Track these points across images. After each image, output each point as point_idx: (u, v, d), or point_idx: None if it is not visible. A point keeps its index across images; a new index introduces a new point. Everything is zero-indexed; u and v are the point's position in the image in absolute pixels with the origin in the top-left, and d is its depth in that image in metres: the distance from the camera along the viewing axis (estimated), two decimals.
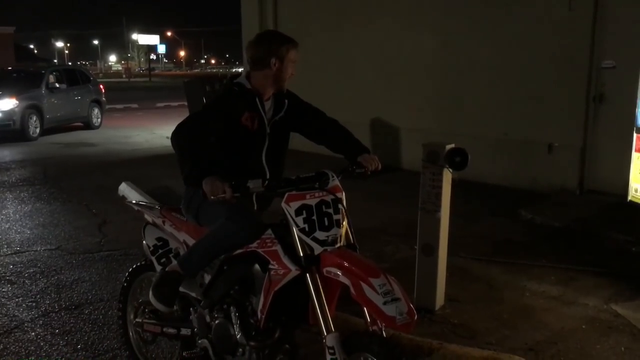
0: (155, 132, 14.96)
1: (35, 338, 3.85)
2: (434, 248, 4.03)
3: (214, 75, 44.38)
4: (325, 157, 3.33)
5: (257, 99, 2.87)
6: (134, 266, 3.44)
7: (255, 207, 2.90)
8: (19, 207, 7.32)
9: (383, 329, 2.42)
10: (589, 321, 3.98)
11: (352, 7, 10.30)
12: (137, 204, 3.49)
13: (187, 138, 2.72)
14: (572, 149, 7.53)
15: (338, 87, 10.41)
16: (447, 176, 3.95)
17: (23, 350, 3.69)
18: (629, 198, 5.45)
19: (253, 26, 11.83)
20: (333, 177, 2.63)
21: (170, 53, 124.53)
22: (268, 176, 2.86)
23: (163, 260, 3.10)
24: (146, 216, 3.35)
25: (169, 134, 2.87)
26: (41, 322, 4.10)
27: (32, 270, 5.08)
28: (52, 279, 4.89)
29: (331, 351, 2.33)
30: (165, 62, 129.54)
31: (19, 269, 5.11)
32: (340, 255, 2.41)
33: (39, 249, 5.69)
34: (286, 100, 2.99)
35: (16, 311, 4.26)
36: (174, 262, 2.96)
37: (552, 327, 3.89)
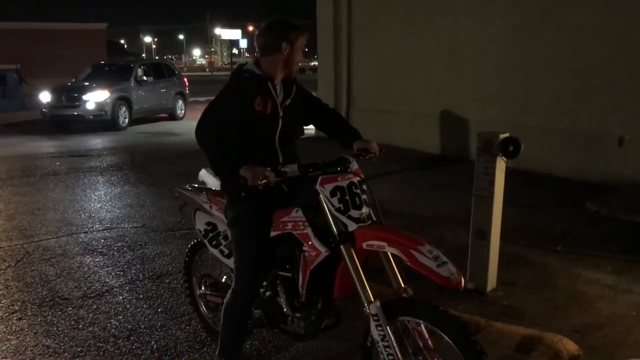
0: None
1: (122, 301, 4.36)
2: (486, 232, 4.19)
3: None
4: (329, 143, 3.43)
5: (269, 83, 2.90)
6: (192, 243, 3.77)
7: (287, 190, 2.96)
8: (109, 190, 8.02)
9: (411, 294, 2.60)
10: None
11: None
12: (186, 189, 3.61)
13: (209, 135, 2.86)
14: None
15: (409, 78, 10.49)
16: (501, 164, 4.10)
17: (112, 310, 4.21)
18: None
19: (327, 19, 12.08)
20: (353, 161, 2.82)
21: (252, 47, 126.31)
22: (281, 160, 2.93)
23: (214, 242, 3.34)
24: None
25: None
26: (127, 288, 4.61)
27: (120, 244, 5.65)
28: (138, 252, 5.43)
29: (375, 318, 2.51)
30: (247, 56, 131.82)
31: (109, 243, 5.69)
32: (379, 229, 2.60)
33: (126, 226, 6.28)
34: (294, 86, 3.03)
35: (107, 278, 4.81)
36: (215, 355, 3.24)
37: (601, 313, 3.95)
